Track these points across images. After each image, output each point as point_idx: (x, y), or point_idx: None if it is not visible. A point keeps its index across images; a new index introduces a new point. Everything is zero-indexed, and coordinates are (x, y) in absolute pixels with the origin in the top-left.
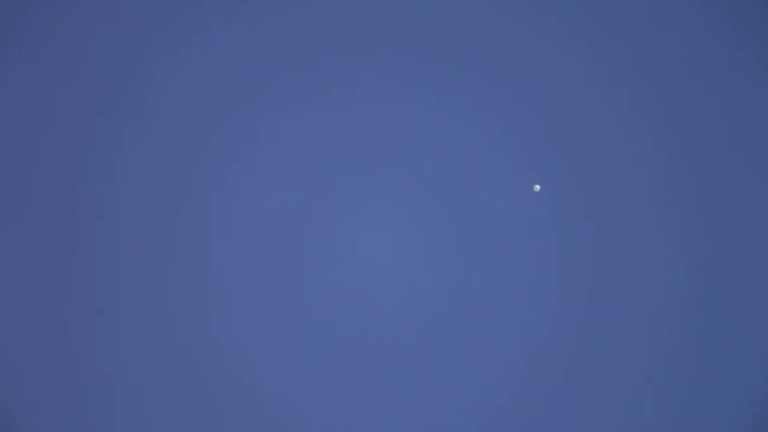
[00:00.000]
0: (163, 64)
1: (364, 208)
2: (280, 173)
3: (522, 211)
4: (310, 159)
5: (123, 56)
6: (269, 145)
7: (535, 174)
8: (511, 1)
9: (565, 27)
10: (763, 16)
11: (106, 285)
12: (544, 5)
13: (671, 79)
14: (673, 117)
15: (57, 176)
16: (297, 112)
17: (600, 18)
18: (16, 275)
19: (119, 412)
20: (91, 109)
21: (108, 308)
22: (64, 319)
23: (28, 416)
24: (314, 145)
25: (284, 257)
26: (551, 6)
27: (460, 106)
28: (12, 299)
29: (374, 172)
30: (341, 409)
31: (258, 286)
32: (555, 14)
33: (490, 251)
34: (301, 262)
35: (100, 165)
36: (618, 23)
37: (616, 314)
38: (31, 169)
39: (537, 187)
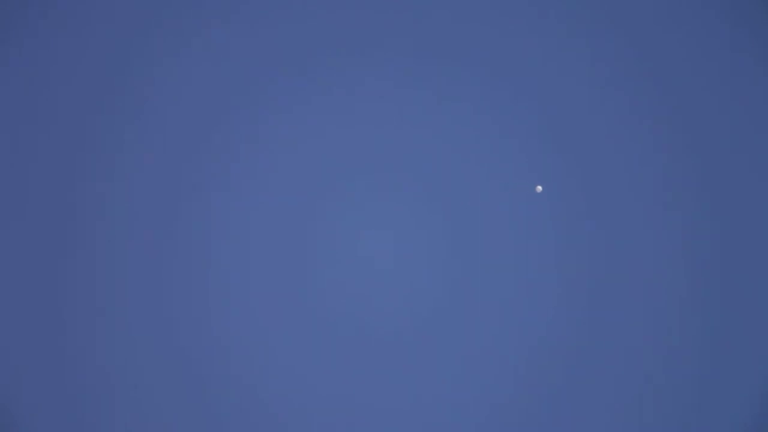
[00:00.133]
0: (163, 64)
1: (364, 208)
2: (280, 173)
3: (522, 211)
4: (310, 159)
5: (123, 56)
6: (269, 145)
7: (535, 174)
8: (511, 1)
9: (565, 27)
10: (763, 16)
11: (106, 285)
12: (544, 5)
13: (671, 79)
14: (673, 117)
15: (57, 176)
16: (297, 112)
17: (600, 18)
18: (16, 275)
19: (119, 412)
20: (91, 109)
21: (108, 308)
22: (64, 319)
23: (28, 416)
24: (314, 145)
25: (284, 257)
26: (551, 6)
27: (460, 106)
28: (12, 299)
29: (374, 172)
30: (341, 409)
31: (258, 286)
32: (555, 14)
33: (490, 251)
34: (301, 262)
35: (100, 165)
36: (618, 23)
37: (616, 314)
38: (31, 169)
39: (539, 188)
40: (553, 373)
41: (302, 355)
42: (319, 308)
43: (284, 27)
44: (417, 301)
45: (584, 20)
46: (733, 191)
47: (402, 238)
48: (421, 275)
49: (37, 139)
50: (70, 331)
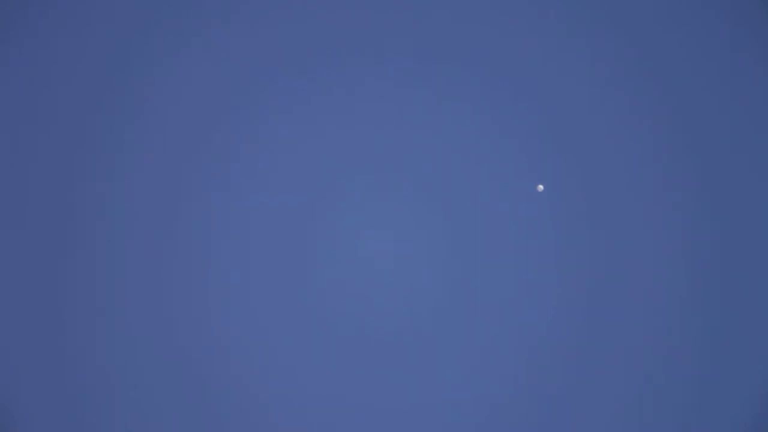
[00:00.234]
0: (163, 64)
1: (364, 208)
2: (280, 173)
3: (522, 211)
4: (310, 159)
5: (123, 56)
6: (269, 145)
7: (535, 174)
8: (511, 1)
9: (565, 27)
10: (763, 16)
11: (106, 285)
12: (544, 5)
13: (671, 79)
14: (673, 117)
15: (57, 176)
16: (297, 112)
17: (600, 18)
18: (16, 275)
19: (119, 412)
20: (91, 109)
21: (108, 308)
22: (64, 319)
23: (28, 416)
24: (314, 145)
25: (284, 257)
26: (551, 6)
27: (460, 106)
28: (12, 299)
29: (374, 172)
30: (341, 409)
31: (258, 286)
32: (555, 14)
33: (490, 251)
34: (301, 262)
35: (100, 165)
36: (618, 23)
37: (616, 314)
38: (31, 169)
39: (540, 187)
40: (553, 373)
41: (302, 356)
42: (319, 308)
43: (284, 27)
44: (417, 301)
45: (584, 20)
46: (733, 191)
47: (402, 238)
48: (421, 275)
49: (37, 139)
50: (70, 331)
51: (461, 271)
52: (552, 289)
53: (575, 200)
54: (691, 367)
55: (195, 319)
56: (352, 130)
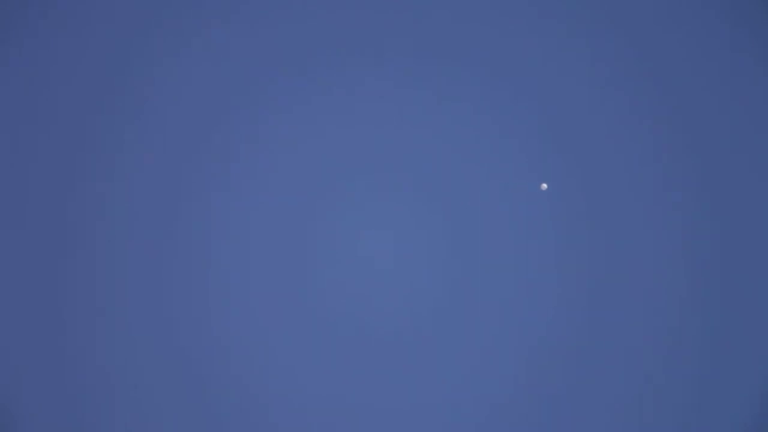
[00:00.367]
0: (163, 64)
1: (364, 208)
2: (280, 173)
3: (522, 211)
4: (310, 159)
5: (123, 56)
6: (269, 145)
7: (535, 174)
8: (511, 1)
9: (565, 27)
10: (763, 16)
11: (106, 285)
12: (544, 5)
13: (671, 79)
14: (673, 117)
15: (57, 176)
16: (297, 112)
17: (600, 18)
18: (16, 275)
19: (119, 412)
20: (91, 109)
21: (108, 308)
22: (64, 319)
23: (28, 416)
24: (314, 145)
25: (284, 257)
26: (551, 6)
27: (460, 106)
28: (12, 299)
29: (374, 172)
30: (341, 409)
31: (258, 286)
32: (555, 14)
33: (490, 251)
34: (301, 262)
35: (100, 165)
36: (618, 23)
37: (616, 314)
38: (31, 169)
39: (544, 186)
40: (553, 373)
41: (302, 355)
42: (319, 308)
43: (284, 27)
44: (417, 301)
45: (584, 20)
46: (733, 191)
47: (402, 238)
48: (421, 275)
49: (37, 139)
50: (70, 331)
51: (461, 271)
52: (552, 289)
53: (575, 200)
54: (691, 367)
55: (195, 319)
56: (352, 130)
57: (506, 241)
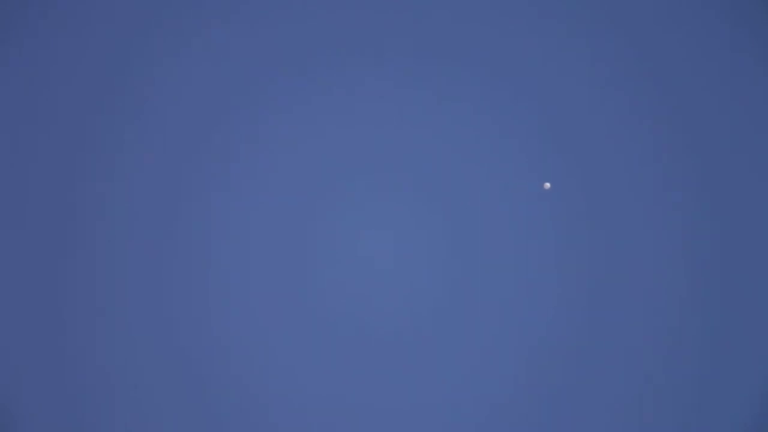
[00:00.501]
0: (163, 64)
1: (364, 208)
2: (280, 173)
3: (522, 211)
4: (310, 159)
5: (123, 56)
6: (269, 145)
7: (535, 174)
8: (511, 1)
9: (565, 27)
10: (763, 16)
11: (106, 285)
12: (544, 5)
13: (671, 79)
14: (673, 117)
15: (57, 176)
16: (297, 112)
17: (600, 18)
18: (16, 275)
19: (119, 412)
20: (91, 109)
21: (108, 308)
22: (64, 319)
23: (28, 416)
24: (314, 145)
25: (284, 257)
26: (551, 6)
27: (460, 106)
28: (12, 299)
29: (374, 172)
30: (341, 409)
31: (258, 286)
32: (555, 14)
33: (490, 251)
34: (301, 262)
35: (100, 165)
36: (618, 23)
37: (616, 314)
38: (31, 169)
39: (547, 185)
40: (553, 373)
41: (302, 356)
42: (319, 308)
43: (284, 27)
44: (417, 301)
45: (584, 20)
46: (733, 191)
47: (402, 238)
48: (421, 275)
49: (37, 139)
50: (70, 331)
51: (461, 271)
52: (552, 289)
53: (575, 200)
54: (691, 367)
55: (195, 319)
56: (352, 130)
57: (506, 241)
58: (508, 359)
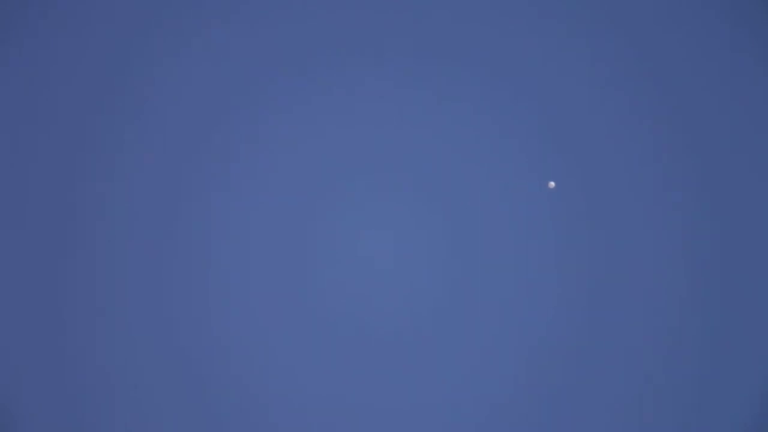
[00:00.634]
0: (163, 64)
1: (364, 208)
2: (280, 173)
3: (522, 211)
4: (310, 159)
5: (123, 56)
6: (269, 145)
7: (535, 174)
8: (511, 1)
9: (565, 27)
10: (763, 16)
11: (106, 285)
12: (544, 5)
13: (671, 79)
14: (673, 117)
15: (57, 176)
16: (297, 112)
17: (600, 18)
18: (16, 275)
19: (119, 412)
20: (91, 109)
21: (108, 308)
22: (64, 319)
23: (28, 416)
24: (314, 145)
25: (284, 257)
26: (551, 6)
27: (460, 106)
28: (12, 299)
29: (374, 172)
30: (341, 409)
31: (258, 286)
32: (555, 14)
33: (490, 251)
34: (301, 262)
35: (100, 165)
36: (618, 23)
37: (616, 314)
38: (31, 169)
39: (552, 184)
40: (553, 373)
41: (302, 356)
42: (320, 308)
43: (284, 27)
44: (417, 301)
45: (584, 20)
46: (733, 191)
47: (402, 238)
48: (421, 275)
49: (37, 139)
50: (70, 331)
51: (461, 271)
52: (552, 289)
53: (575, 200)
54: (691, 367)
55: (195, 319)
56: (352, 130)
57: (506, 241)
58: (508, 359)
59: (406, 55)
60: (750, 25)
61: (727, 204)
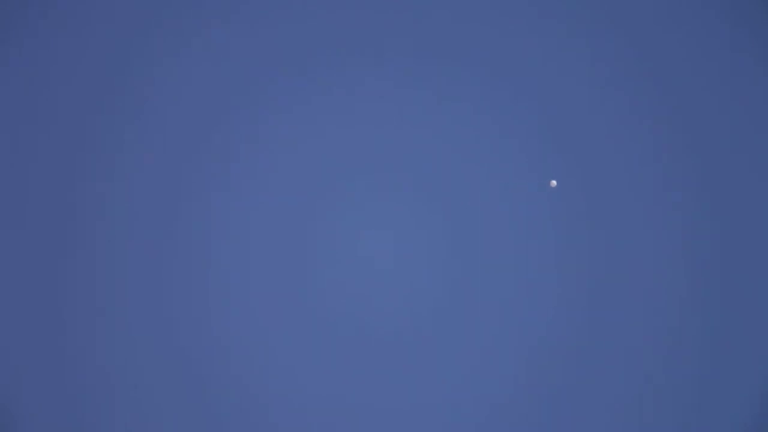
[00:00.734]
0: (163, 64)
1: (364, 208)
2: (280, 173)
3: (522, 211)
4: (310, 159)
5: (123, 56)
6: (269, 145)
7: (535, 174)
8: (511, 1)
9: (565, 27)
10: (763, 16)
11: (106, 285)
12: (544, 5)
13: (671, 79)
14: (673, 117)
15: (57, 176)
16: (297, 112)
17: (600, 18)
18: (16, 275)
19: (119, 412)
20: (91, 109)
21: (108, 308)
22: (64, 319)
23: (28, 416)
24: (314, 145)
25: (284, 257)
26: (551, 6)
27: (460, 106)
28: (12, 299)
29: (374, 172)
30: (341, 409)
31: (258, 286)
32: (555, 14)
33: (490, 251)
34: (301, 262)
35: (100, 165)
36: (618, 23)
37: (616, 314)
38: (31, 169)
39: (553, 183)
40: (553, 373)
41: (302, 355)
42: (319, 308)
43: (284, 27)
44: (417, 301)
45: (584, 20)
46: (733, 191)
47: (402, 238)
48: (421, 275)
49: (37, 139)
50: (70, 331)
51: (461, 271)
52: (552, 289)
53: (575, 200)
54: (691, 367)
55: (195, 319)
56: (352, 130)
57: (506, 241)
58: (508, 359)
59: (406, 55)
60: (750, 25)
61: (727, 204)
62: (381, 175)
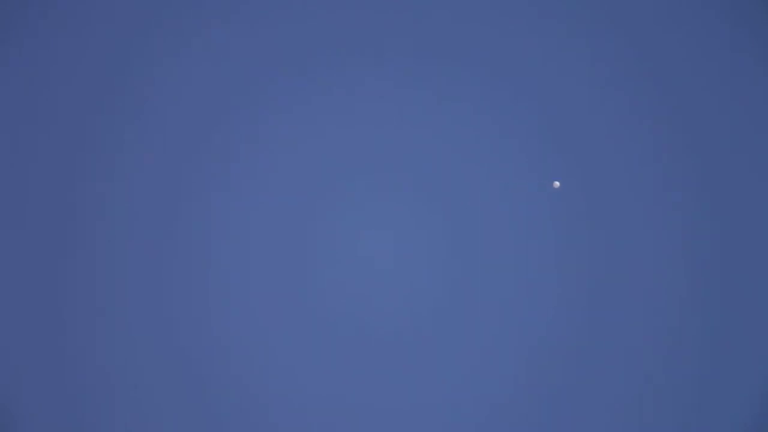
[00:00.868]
0: (163, 64)
1: (364, 208)
2: (280, 173)
3: (522, 211)
4: (310, 159)
5: (123, 56)
6: (269, 145)
7: (535, 174)
8: (511, 1)
9: (565, 27)
10: (763, 16)
11: (106, 285)
12: (544, 5)
13: (671, 79)
14: (673, 117)
15: (57, 176)
16: (297, 112)
17: (600, 18)
18: (16, 275)
19: (119, 412)
20: (91, 109)
21: (108, 308)
22: (64, 319)
23: (28, 416)
24: (314, 145)
25: (284, 257)
26: (551, 6)
27: (460, 106)
28: (12, 299)
29: (374, 172)
30: (341, 409)
31: (258, 286)
32: (555, 14)
33: (490, 251)
34: (301, 262)
35: (100, 165)
36: (618, 23)
37: (616, 314)
38: (31, 169)
39: (557, 184)
40: (553, 373)
41: (302, 356)
42: (319, 308)
43: (284, 27)
44: (417, 301)
45: (584, 20)
46: (733, 191)
47: (402, 238)
48: (421, 275)
49: (37, 139)
50: (70, 331)
51: (461, 271)
52: (552, 289)
53: (575, 200)
54: (691, 367)
55: (195, 319)
56: (352, 130)
57: (506, 241)
58: (508, 359)
59: (406, 55)
60: (750, 25)
61: (727, 204)
62: (381, 175)
